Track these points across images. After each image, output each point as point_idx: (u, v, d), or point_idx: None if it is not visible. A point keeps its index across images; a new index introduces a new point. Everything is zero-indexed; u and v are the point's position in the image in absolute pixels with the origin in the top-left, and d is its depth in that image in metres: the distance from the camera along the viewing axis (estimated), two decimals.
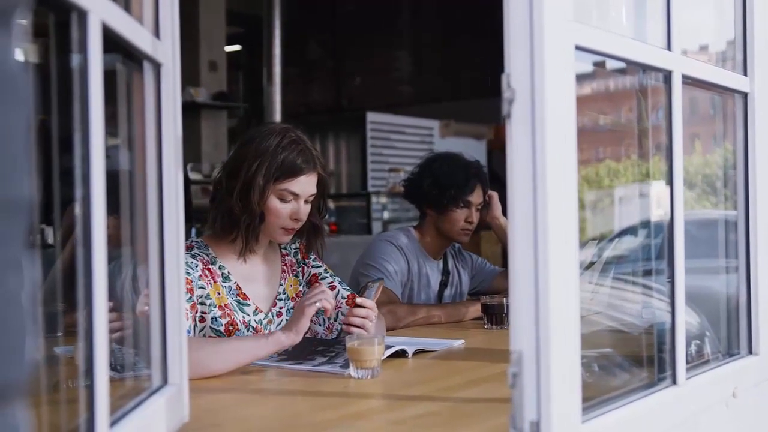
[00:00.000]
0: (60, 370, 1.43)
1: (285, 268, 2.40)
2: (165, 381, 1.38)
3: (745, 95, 1.83)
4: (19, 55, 0.58)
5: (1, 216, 0.53)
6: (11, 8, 0.56)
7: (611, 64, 1.60)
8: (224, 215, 2.22)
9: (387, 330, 2.64)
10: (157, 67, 1.35)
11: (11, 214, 0.54)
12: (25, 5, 0.58)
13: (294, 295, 2.39)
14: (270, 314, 2.30)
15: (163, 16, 1.37)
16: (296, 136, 2.23)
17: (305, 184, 2.23)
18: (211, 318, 2.17)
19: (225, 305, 2.20)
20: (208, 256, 2.24)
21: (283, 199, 2.21)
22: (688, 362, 1.57)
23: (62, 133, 1.02)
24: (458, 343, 2.37)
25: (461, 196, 3.01)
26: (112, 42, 1.10)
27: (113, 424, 1.09)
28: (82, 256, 1.00)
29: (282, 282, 2.37)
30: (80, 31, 1.00)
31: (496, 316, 2.67)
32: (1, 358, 0.54)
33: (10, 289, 0.53)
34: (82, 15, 0.99)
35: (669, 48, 1.53)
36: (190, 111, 7.26)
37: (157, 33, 1.35)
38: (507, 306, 2.67)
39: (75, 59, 1.01)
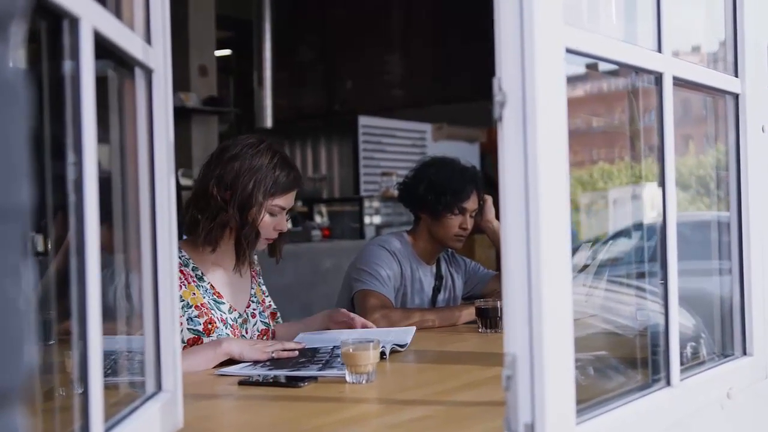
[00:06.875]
0: (52, 378, 1.42)
1: (254, 274, 2.51)
2: (159, 387, 1.38)
3: (736, 96, 1.83)
4: (16, 63, 0.58)
5: (1, 222, 0.53)
6: (9, 16, 0.56)
7: (603, 66, 1.61)
8: (219, 227, 2.28)
9: None
10: (148, 73, 1.35)
11: (10, 220, 0.54)
12: (23, 13, 0.58)
13: (260, 301, 2.49)
14: (245, 314, 2.40)
15: (154, 22, 1.37)
16: (283, 153, 2.36)
17: (292, 199, 2.37)
18: (187, 319, 2.23)
19: (201, 305, 2.27)
20: (180, 258, 2.28)
21: (272, 214, 2.32)
22: (683, 364, 1.57)
23: (53, 139, 1.02)
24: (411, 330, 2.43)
25: (457, 203, 2.99)
26: (103, 48, 1.10)
27: (108, 430, 1.09)
28: (75, 263, 1.00)
29: (253, 286, 2.48)
30: (72, 37, 1.00)
31: (491, 319, 2.67)
32: (2, 364, 0.55)
33: (9, 295, 0.53)
34: (74, 21, 0.99)
35: (659, 50, 1.54)
36: (181, 116, 7.23)
37: (148, 39, 1.35)
38: (501, 309, 2.67)
39: (67, 65, 1.00)
